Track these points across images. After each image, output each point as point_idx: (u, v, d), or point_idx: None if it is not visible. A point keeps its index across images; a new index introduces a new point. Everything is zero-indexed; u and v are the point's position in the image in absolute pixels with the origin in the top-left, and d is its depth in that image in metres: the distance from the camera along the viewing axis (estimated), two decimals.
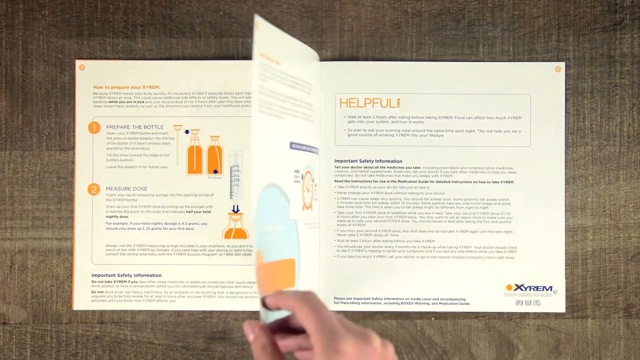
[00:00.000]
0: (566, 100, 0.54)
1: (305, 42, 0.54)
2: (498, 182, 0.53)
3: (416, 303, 0.53)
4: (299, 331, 0.37)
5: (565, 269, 0.54)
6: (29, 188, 0.54)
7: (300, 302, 0.34)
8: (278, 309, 0.37)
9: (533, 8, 0.54)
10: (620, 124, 0.54)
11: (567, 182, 0.54)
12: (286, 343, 0.37)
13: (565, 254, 0.54)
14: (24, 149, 0.54)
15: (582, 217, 0.54)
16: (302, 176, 0.49)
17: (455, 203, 0.53)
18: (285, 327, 0.38)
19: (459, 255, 0.53)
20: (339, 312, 0.54)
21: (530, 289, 0.53)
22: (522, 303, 0.53)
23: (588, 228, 0.54)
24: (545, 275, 0.53)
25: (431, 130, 0.53)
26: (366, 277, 0.53)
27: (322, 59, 0.54)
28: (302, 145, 0.49)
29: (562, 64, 0.53)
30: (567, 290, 0.54)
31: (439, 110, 0.53)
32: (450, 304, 0.53)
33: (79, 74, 0.54)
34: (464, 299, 0.53)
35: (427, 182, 0.53)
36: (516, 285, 0.53)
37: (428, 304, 0.53)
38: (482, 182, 0.53)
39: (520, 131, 0.53)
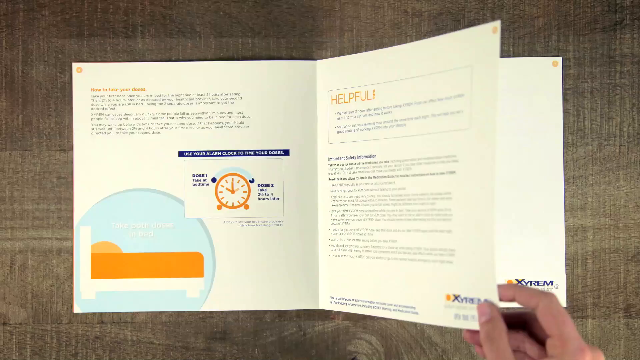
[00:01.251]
0: (566, 100, 0.54)
1: (305, 42, 0.54)
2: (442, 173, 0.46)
3: (383, 308, 0.49)
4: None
5: (566, 269, 0.54)
6: (29, 188, 0.54)
7: (547, 302, 0.35)
8: (512, 301, 0.38)
9: (533, 8, 0.54)
10: (620, 124, 0.54)
11: (566, 182, 0.54)
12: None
13: (566, 254, 0.54)
14: (24, 149, 0.54)
15: (582, 217, 0.54)
16: (214, 179, 0.54)
17: (414, 199, 0.47)
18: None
19: (412, 257, 0.47)
20: (338, 312, 0.54)
21: (465, 301, 0.43)
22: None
23: (588, 228, 0.54)
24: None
25: (397, 120, 0.49)
26: (352, 278, 0.52)
27: (322, 59, 0.54)
28: (204, 152, 0.54)
29: (559, 59, 0.50)
30: (567, 290, 0.54)
31: (404, 98, 0.49)
32: (399, 311, 0.48)
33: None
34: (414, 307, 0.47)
35: (393, 176, 0.49)
36: (454, 295, 0.44)
37: (390, 310, 0.49)
38: (431, 174, 0.46)
39: (461, 112, 0.45)
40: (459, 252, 0.44)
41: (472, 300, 0.42)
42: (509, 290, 0.38)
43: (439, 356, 0.54)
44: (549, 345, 0.35)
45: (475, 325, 0.40)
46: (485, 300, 0.40)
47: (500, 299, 0.39)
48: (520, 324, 0.39)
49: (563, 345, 0.34)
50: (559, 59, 0.48)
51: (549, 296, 0.36)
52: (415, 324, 0.54)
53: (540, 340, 0.38)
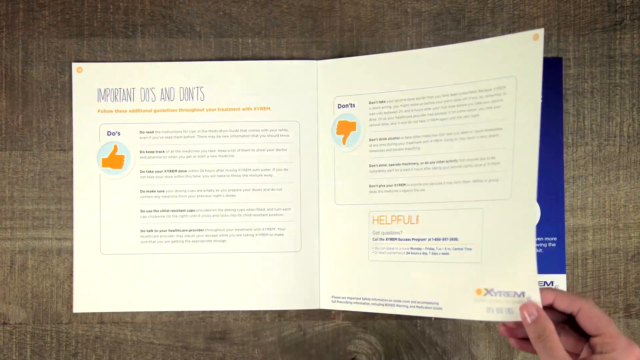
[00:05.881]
0: (566, 100, 0.54)
1: (305, 42, 0.54)
2: None
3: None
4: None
5: (566, 269, 0.54)
6: (29, 188, 0.54)
7: (590, 306, 0.39)
8: (550, 304, 0.41)
9: (533, 8, 0.54)
10: (620, 124, 0.54)
11: (566, 182, 0.54)
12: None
13: (566, 254, 0.54)
14: (24, 149, 0.54)
15: (582, 217, 0.54)
16: None
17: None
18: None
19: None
20: (340, 311, 0.54)
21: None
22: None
23: (588, 228, 0.54)
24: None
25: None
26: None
27: (322, 59, 0.54)
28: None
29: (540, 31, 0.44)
30: (567, 290, 0.54)
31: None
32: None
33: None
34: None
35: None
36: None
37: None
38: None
39: None
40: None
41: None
42: (549, 293, 0.41)
43: (439, 356, 0.54)
44: (597, 343, 0.38)
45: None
46: (529, 299, 0.42)
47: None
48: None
49: (614, 342, 0.37)
50: (540, 32, 0.44)
51: (589, 300, 0.39)
52: (415, 324, 0.54)
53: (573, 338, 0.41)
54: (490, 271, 0.45)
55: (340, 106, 0.53)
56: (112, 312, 0.54)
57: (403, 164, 0.50)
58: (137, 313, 0.54)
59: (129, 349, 0.54)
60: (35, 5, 0.54)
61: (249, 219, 0.54)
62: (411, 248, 0.49)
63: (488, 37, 0.54)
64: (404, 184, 0.50)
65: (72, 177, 0.54)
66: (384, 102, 0.51)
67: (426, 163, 0.49)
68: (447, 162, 0.48)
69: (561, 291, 0.41)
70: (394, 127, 0.51)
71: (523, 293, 0.42)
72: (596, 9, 0.54)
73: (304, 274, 0.54)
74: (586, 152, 0.54)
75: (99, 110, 0.54)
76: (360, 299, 0.52)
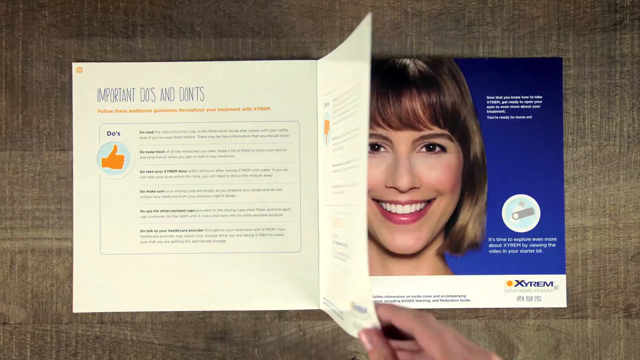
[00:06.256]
0: (566, 100, 0.54)
1: (305, 42, 0.54)
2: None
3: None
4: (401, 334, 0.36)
5: (566, 269, 0.54)
6: (29, 188, 0.54)
7: (422, 324, 0.34)
8: (388, 322, 0.36)
9: (533, 8, 0.54)
10: (620, 124, 0.54)
11: (566, 182, 0.54)
12: (397, 344, 0.36)
13: (566, 254, 0.54)
14: (24, 149, 0.54)
15: (582, 217, 0.54)
16: None
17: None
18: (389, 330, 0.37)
19: None
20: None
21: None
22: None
23: (588, 228, 0.54)
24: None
25: None
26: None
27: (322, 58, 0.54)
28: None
29: None
30: (567, 290, 0.54)
31: None
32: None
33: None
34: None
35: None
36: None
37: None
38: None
39: None
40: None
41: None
42: (385, 311, 0.36)
43: None
44: None
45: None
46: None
47: (379, 319, 0.37)
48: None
49: None
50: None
51: (425, 319, 0.34)
52: None
53: None
54: (350, 283, 0.43)
55: None
56: (112, 312, 0.54)
57: None
58: (137, 313, 0.54)
59: (129, 349, 0.54)
60: (35, 5, 0.54)
61: (249, 219, 0.54)
62: None
63: (488, 36, 0.54)
64: None
65: (72, 177, 0.54)
66: None
67: None
68: None
69: (400, 308, 0.36)
70: None
71: (366, 309, 0.38)
72: (596, 9, 0.54)
73: (304, 274, 0.54)
74: (586, 152, 0.54)
75: (98, 110, 0.54)
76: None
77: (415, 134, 0.53)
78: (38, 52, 0.54)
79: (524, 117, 0.54)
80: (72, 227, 0.54)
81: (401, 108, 0.53)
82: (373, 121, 0.53)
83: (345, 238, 0.45)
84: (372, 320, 0.37)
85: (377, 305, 0.37)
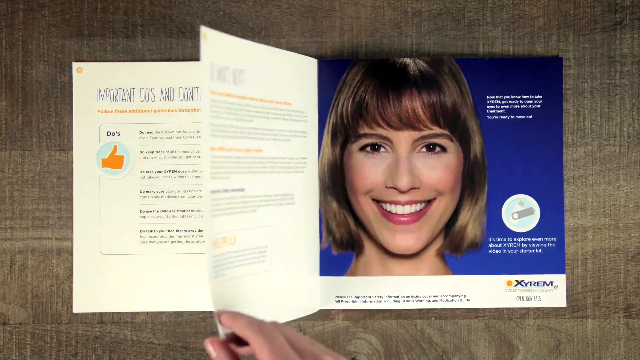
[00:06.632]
0: (566, 100, 0.54)
1: (305, 42, 0.54)
2: None
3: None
4: None
5: (566, 269, 0.54)
6: (29, 188, 0.54)
7: (254, 333, 0.35)
8: (231, 328, 0.38)
9: (533, 8, 0.54)
10: (620, 124, 0.54)
11: (566, 182, 0.54)
12: (248, 350, 0.38)
13: (565, 254, 0.54)
14: (24, 149, 0.54)
15: (582, 217, 0.54)
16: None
17: None
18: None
19: None
20: (340, 310, 0.54)
21: None
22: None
23: (588, 228, 0.54)
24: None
25: None
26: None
27: (322, 58, 0.54)
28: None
29: None
30: (567, 290, 0.54)
31: None
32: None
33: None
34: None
35: None
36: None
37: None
38: None
39: None
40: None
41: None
42: (227, 320, 0.38)
43: (439, 356, 0.54)
44: None
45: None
46: (211, 334, 0.40)
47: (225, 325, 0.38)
48: None
49: None
50: None
51: (259, 325, 0.35)
52: (415, 324, 0.54)
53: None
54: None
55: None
56: (112, 312, 0.54)
57: None
58: (137, 313, 0.54)
59: (129, 349, 0.54)
60: (35, 5, 0.54)
61: None
62: None
63: (488, 36, 0.54)
64: None
65: (72, 177, 0.54)
66: None
67: None
68: None
69: (238, 317, 0.37)
70: None
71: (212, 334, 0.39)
72: (596, 9, 0.54)
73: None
74: (586, 152, 0.54)
75: (98, 111, 0.54)
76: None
77: (416, 134, 0.53)
78: (38, 52, 0.54)
79: (524, 117, 0.54)
80: (72, 227, 0.54)
81: (401, 108, 0.53)
82: (373, 121, 0.53)
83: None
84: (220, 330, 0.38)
85: (220, 314, 0.38)
